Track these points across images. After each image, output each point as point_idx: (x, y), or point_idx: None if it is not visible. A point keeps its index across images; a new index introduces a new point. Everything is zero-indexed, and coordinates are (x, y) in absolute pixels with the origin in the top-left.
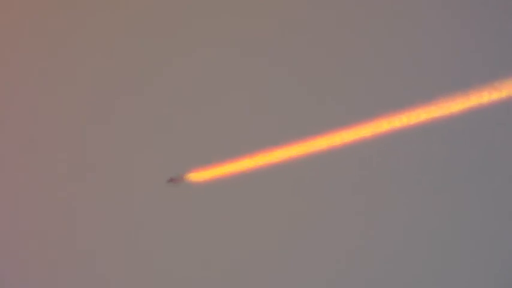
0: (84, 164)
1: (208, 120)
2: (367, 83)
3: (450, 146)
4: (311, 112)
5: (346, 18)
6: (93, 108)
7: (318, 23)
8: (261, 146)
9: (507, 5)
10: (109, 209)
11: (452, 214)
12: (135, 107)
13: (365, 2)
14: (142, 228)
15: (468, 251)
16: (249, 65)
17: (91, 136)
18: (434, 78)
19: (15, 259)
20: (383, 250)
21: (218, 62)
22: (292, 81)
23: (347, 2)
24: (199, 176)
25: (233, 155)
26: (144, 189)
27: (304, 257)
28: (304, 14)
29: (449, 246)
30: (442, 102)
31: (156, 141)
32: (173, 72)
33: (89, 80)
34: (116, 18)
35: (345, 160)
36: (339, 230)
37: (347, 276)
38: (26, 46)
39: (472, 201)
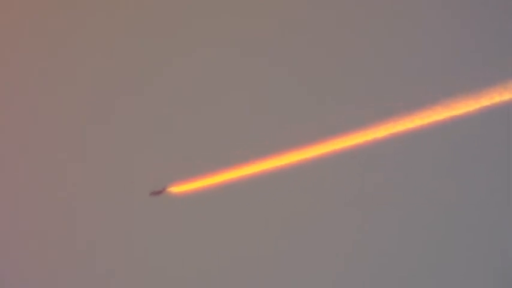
0: (84, 164)
1: (207, 122)
2: (367, 83)
3: (446, 148)
4: (311, 111)
5: (346, 18)
6: (93, 108)
7: (318, 23)
8: (261, 148)
9: (507, 5)
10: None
11: (452, 216)
12: (135, 107)
13: (365, 2)
14: (133, 234)
15: (463, 248)
16: (249, 65)
17: (91, 136)
18: (434, 79)
19: (15, 259)
20: (379, 249)
21: (218, 62)
22: (292, 81)
23: (347, 2)
24: (181, 188)
25: (217, 166)
26: (130, 197)
27: (292, 267)
28: (304, 14)
29: (444, 245)
30: (440, 104)
31: (149, 147)
32: (173, 72)
33: (89, 80)
34: (116, 18)
35: (343, 161)
36: (332, 235)
37: (344, 275)
38: (26, 46)
39: (471, 202)
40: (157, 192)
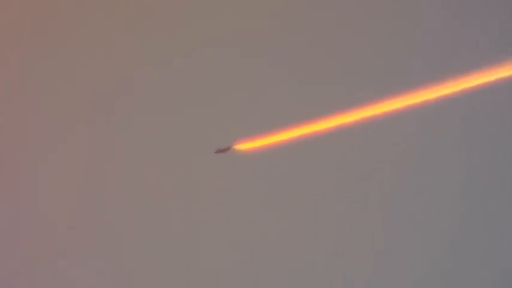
0: (84, 164)
1: (207, 122)
2: (368, 83)
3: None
4: (311, 112)
5: (346, 18)
6: (93, 108)
7: (318, 23)
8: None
9: (507, 5)
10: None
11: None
12: (135, 107)
13: (365, 2)
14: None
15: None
16: (249, 65)
17: (91, 136)
18: (433, 79)
19: (15, 259)
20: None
21: (218, 62)
22: (292, 81)
23: (347, 2)
24: (247, 146)
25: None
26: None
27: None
28: (304, 14)
29: (443, 239)
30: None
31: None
32: (173, 72)
33: (89, 80)
34: (116, 18)
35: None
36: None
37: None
38: (26, 46)
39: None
40: (223, 150)
